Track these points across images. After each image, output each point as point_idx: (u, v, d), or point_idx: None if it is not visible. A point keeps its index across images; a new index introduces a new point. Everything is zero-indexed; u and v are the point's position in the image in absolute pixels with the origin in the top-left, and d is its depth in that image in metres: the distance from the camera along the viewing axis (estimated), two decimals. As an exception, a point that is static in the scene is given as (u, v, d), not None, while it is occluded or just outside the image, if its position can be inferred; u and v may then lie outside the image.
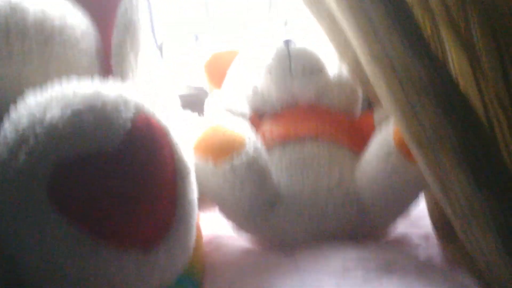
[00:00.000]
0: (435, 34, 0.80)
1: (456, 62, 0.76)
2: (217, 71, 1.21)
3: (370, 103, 1.14)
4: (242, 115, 1.07)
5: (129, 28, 0.79)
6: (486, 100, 0.74)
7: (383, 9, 0.69)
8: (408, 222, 1.06)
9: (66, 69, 0.75)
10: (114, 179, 0.58)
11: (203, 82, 1.24)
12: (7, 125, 0.59)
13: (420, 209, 1.03)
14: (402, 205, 0.99)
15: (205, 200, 0.92)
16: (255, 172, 0.89)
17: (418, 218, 1.10)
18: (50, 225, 0.57)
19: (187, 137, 0.91)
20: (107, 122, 0.59)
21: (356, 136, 1.08)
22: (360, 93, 1.15)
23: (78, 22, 0.79)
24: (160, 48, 1.38)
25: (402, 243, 1.04)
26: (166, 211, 0.65)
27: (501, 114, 0.73)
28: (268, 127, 1.06)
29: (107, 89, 0.62)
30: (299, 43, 1.07)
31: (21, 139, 0.56)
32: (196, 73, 1.26)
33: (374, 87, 0.79)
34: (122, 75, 0.77)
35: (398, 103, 0.72)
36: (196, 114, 1.05)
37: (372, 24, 0.70)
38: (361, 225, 0.97)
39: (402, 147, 0.90)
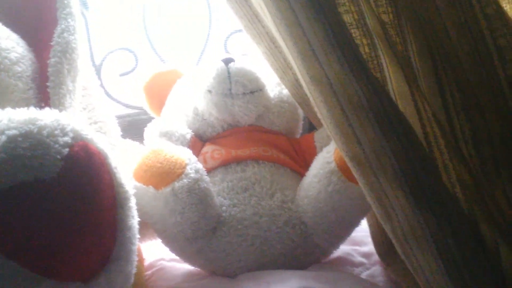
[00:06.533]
0: (373, 54, 0.81)
1: (394, 82, 0.77)
2: (157, 92, 1.20)
3: (312, 124, 1.14)
4: (183, 137, 1.06)
5: (66, 50, 0.78)
6: (424, 119, 0.75)
7: (321, 31, 0.69)
8: (351, 239, 1.06)
9: (1, 93, 0.73)
10: (52, 209, 0.57)
11: (142, 102, 1.22)
12: None
13: (363, 227, 1.03)
14: (345, 226, 0.99)
15: (146, 226, 0.90)
16: (197, 195, 0.88)
17: (360, 236, 1.11)
18: None
19: (127, 162, 0.90)
20: (44, 149, 0.57)
21: (298, 156, 1.09)
22: (300, 114, 1.16)
23: (13, 45, 0.77)
24: (98, 68, 1.36)
25: (344, 262, 1.05)
26: (106, 240, 0.63)
27: (438, 134, 0.73)
28: (209, 149, 1.06)
29: (43, 115, 0.60)
30: (239, 62, 1.06)
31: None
32: (135, 93, 1.24)
33: (314, 108, 0.79)
34: (59, 98, 0.75)
35: (337, 124, 0.72)
36: (136, 137, 1.04)
37: (311, 46, 0.70)
38: (304, 247, 0.97)
39: (343, 168, 0.91)
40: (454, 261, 0.68)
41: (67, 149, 0.59)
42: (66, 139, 0.59)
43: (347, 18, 0.81)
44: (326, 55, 0.70)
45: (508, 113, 0.74)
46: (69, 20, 0.80)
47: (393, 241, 0.74)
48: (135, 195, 0.72)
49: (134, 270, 0.70)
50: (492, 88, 0.74)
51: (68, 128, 0.60)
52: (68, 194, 0.58)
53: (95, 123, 0.91)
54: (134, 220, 0.70)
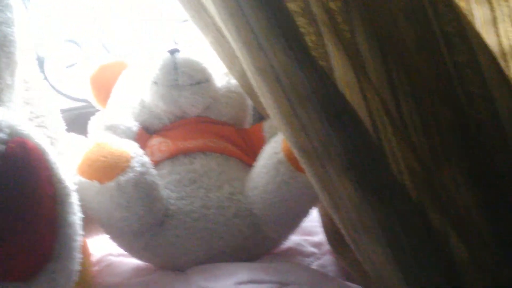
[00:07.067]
0: (319, 43, 0.80)
1: (341, 70, 0.76)
2: (103, 84, 1.17)
3: (261, 114, 1.14)
4: (129, 130, 1.04)
5: (4, 43, 0.76)
6: (372, 108, 0.74)
7: (265, 19, 0.68)
8: (301, 229, 1.06)
9: None
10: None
11: (88, 95, 1.19)
12: None
13: (313, 217, 1.03)
14: (294, 216, 0.99)
15: (92, 221, 0.89)
16: (143, 189, 0.87)
17: (311, 226, 1.11)
18: None
19: (71, 156, 0.88)
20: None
21: (247, 147, 1.08)
22: (249, 104, 1.15)
23: None
24: (42, 61, 1.33)
25: (295, 253, 1.05)
26: (46, 238, 0.62)
27: (387, 122, 0.73)
28: (156, 141, 1.04)
29: (-22, 111, 0.59)
30: (185, 53, 1.05)
31: None
32: (81, 86, 1.21)
33: (261, 98, 0.78)
34: (-4, 93, 0.73)
35: (284, 114, 0.71)
36: (83, 131, 1.02)
37: (255, 35, 0.69)
38: (254, 238, 0.96)
39: (291, 158, 0.90)
40: (403, 250, 0.68)
41: (3, 146, 0.57)
42: (2, 135, 0.58)
43: (292, 6, 0.80)
44: (270, 44, 0.69)
45: (456, 100, 0.74)
46: (7, 12, 0.78)
47: (342, 230, 0.74)
48: (80, 190, 0.72)
49: (77, 268, 0.69)
50: (440, 75, 0.74)
51: (4, 124, 0.59)
52: (4, 192, 0.57)
53: (37, 117, 0.89)
54: (76, 217, 0.68)
